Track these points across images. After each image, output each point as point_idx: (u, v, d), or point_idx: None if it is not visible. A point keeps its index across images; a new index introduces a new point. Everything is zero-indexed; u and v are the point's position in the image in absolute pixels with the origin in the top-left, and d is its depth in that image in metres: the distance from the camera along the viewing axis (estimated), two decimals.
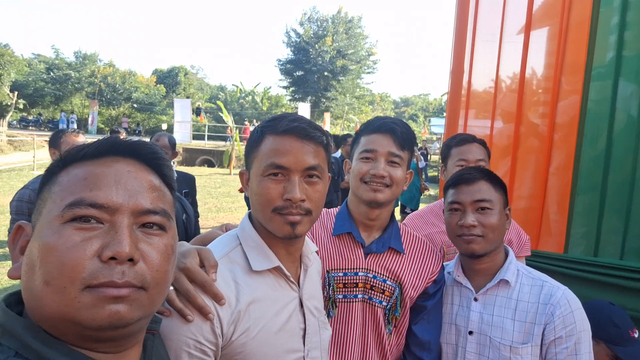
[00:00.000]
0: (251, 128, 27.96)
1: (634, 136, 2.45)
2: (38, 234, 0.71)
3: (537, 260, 2.50)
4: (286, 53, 42.17)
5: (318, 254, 1.49)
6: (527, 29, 3.08)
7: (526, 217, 2.88)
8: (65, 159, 0.77)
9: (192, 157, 21.86)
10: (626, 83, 2.55)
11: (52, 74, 33.88)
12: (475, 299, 1.57)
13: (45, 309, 0.68)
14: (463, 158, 2.13)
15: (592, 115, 2.66)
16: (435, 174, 18.44)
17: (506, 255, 1.60)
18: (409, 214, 9.10)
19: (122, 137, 0.81)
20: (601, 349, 1.77)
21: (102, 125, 33.85)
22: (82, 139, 3.30)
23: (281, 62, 39.33)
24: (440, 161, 2.32)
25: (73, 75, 34.49)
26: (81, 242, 0.69)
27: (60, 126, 29.45)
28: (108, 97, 35.84)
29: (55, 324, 0.69)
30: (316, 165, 1.13)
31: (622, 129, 2.53)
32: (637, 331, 1.84)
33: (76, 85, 34.65)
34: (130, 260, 0.70)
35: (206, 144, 24.91)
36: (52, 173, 0.77)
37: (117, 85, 36.22)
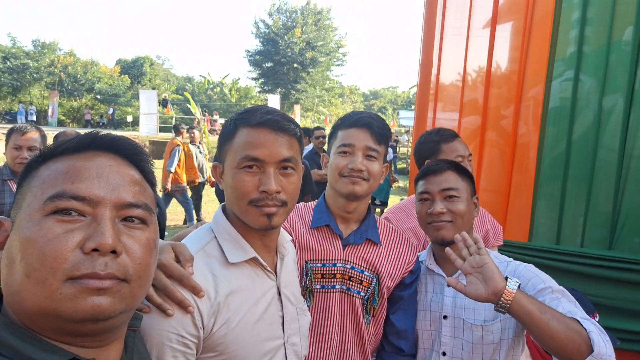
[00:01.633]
0: (220, 120, 27.54)
1: (593, 129, 2.56)
2: (18, 228, 0.70)
3: (503, 249, 2.58)
4: (255, 44, 41.71)
5: (295, 245, 1.52)
6: (493, 23, 3.15)
7: (492, 208, 2.96)
8: (45, 155, 0.77)
9: (159, 150, 21.21)
10: (586, 77, 2.65)
11: (8, 63, 32.34)
12: (448, 285, 1.62)
13: (26, 303, 0.67)
14: (460, 154, 2.16)
15: (554, 110, 2.75)
16: (405, 165, 18.69)
17: None
18: (378, 205, 9.22)
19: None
20: None
21: (63, 117, 32.66)
22: (32, 135, 3.02)
23: (250, 53, 38.87)
24: (422, 158, 2.30)
25: (31, 64, 33.02)
26: (63, 233, 0.68)
27: (19, 118, 28.23)
28: (69, 87, 34.50)
29: (36, 319, 0.68)
30: (290, 157, 1.14)
31: (582, 122, 2.63)
32: (597, 315, 1.93)
33: (35, 75, 33.18)
34: (113, 252, 0.70)
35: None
36: (31, 168, 0.76)
37: (79, 76, 34.87)
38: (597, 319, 1.92)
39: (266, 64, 38.22)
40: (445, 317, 1.60)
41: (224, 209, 1.23)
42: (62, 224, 0.69)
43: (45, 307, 0.66)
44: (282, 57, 36.72)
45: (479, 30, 3.35)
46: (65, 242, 0.67)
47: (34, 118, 29.36)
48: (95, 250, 0.68)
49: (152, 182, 0.85)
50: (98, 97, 35.39)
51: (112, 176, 0.76)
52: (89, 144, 0.78)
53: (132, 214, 0.76)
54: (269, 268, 1.20)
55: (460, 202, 1.59)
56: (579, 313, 1.36)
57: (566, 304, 1.40)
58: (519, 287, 1.34)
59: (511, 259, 1.63)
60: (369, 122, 1.51)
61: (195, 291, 1.03)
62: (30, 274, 0.66)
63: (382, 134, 1.53)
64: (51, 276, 0.66)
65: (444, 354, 1.59)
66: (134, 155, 0.82)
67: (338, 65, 41.03)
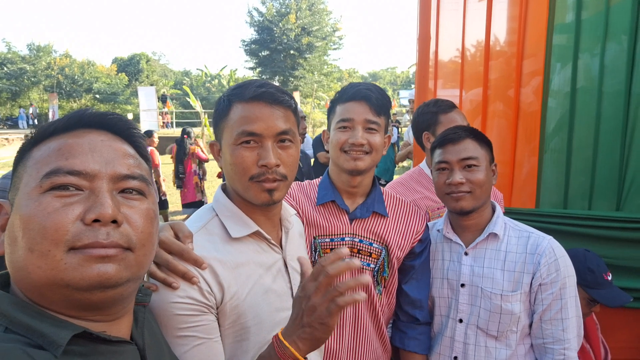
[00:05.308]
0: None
1: (596, 93, 2.54)
2: (17, 207, 0.71)
3: (510, 217, 2.60)
4: (250, 33, 41.38)
5: (302, 221, 1.53)
6: None
7: (499, 179, 2.97)
8: (36, 136, 0.77)
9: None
10: (585, 43, 2.63)
11: (5, 69, 32.30)
12: (466, 253, 1.63)
13: (32, 277, 0.68)
14: (460, 125, 2.13)
15: (555, 77, 2.74)
16: None
17: (493, 210, 1.67)
18: (383, 185, 9.21)
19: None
20: (578, 293, 1.88)
21: None
22: None
23: (246, 43, 38.50)
24: (419, 129, 2.29)
25: (28, 68, 32.96)
26: (62, 207, 0.69)
27: (20, 123, 28.31)
28: (67, 89, 34.47)
29: (44, 292, 0.69)
30: (287, 130, 1.14)
31: (584, 87, 2.62)
32: (610, 274, 1.96)
33: (32, 79, 33.16)
34: (114, 222, 0.71)
35: (175, 131, 24.35)
36: (24, 151, 0.77)
37: (76, 77, 34.83)
38: (609, 278, 1.95)
39: (262, 53, 37.82)
40: (462, 285, 1.61)
41: (223, 188, 1.24)
42: (61, 199, 0.70)
43: (53, 277, 0.67)
44: (278, 45, 36.35)
45: (475, 3, 3.31)
46: (65, 214, 0.68)
47: (36, 122, 29.35)
48: (96, 221, 0.69)
49: (145, 156, 0.85)
50: (97, 96, 35.33)
51: (105, 150, 0.76)
52: (77, 122, 0.78)
53: (129, 185, 0.77)
54: (272, 241, 1.21)
55: (480, 171, 1.57)
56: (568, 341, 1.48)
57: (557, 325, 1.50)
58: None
59: (533, 230, 1.62)
60: (367, 95, 1.50)
61: (197, 264, 1.04)
62: (33, 248, 0.67)
63: (381, 105, 1.52)
64: (54, 247, 0.67)
65: (460, 320, 1.61)
66: (124, 130, 0.82)
67: (335, 49, 40.56)
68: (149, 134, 8.11)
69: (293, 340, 0.94)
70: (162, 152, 8.48)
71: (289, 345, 0.93)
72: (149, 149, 7.64)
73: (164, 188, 7.71)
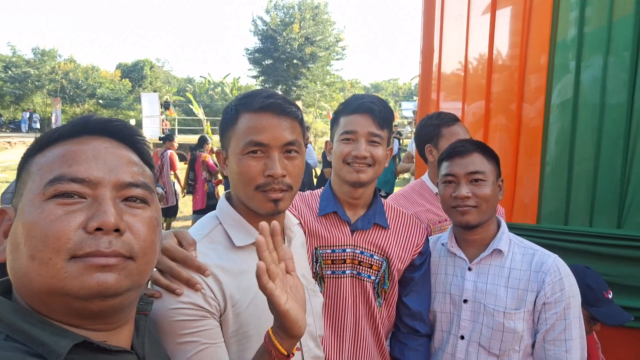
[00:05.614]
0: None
1: (598, 108, 2.54)
2: (20, 214, 0.71)
3: (511, 232, 2.59)
4: (254, 42, 41.62)
5: (304, 231, 1.53)
6: (493, 8, 3.14)
7: None
8: (41, 142, 0.77)
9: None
10: (588, 57, 2.63)
11: (10, 72, 32.49)
12: (470, 269, 1.62)
13: (33, 284, 0.68)
14: (460, 138, 2.09)
15: (557, 92, 2.74)
16: None
17: (498, 225, 1.66)
18: (383, 197, 9.20)
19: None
20: None
21: None
22: None
23: (249, 52, 38.73)
24: (422, 142, 2.29)
25: (32, 72, 33.15)
26: (65, 215, 0.69)
27: (23, 126, 28.41)
28: (71, 94, 34.62)
29: (44, 299, 0.69)
30: (294, 141, 1.15)
31: (585, 102, 2.62)
32: (610, 292, 1.94)
33: (36, 83, 33.34)
34: (117, 231, 0.71)
35: (177, 138, 24.34)
36: (28, 156, 0.77)
37: (80, 82, 35.02)
38: (610, 296, 1.93)
39: (266, 62, 38.02)
40: (465, 301, 1.59)
41: (227, 196, 1.25)
42: (64, 207, 0.69)
43: (52, 285, 0.67)
44: (282, 54, 36.53)
45: (478, 16, 3.33)
46: (68, 222, 0.68)
47: (38, 126, 29.47)
48: (98, 229, 0.69)
49: (149, 163, 0.85)
50: (100, 102, 35.48)
51: (109, 157, 0.76)
52: (82, 128, 0.78)
53: (132, 193, 0.76)
54: None
55: (486, 186, 1.56)
56: None
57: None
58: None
59: (538, 247, 1.60)
60: (371, 108, 1.51)
61: (201, 271, 1.04)
62: (35, 256, 0.67)
63: (385, 118, 1.53)
64: (55, 256, 0.67)
65: (462, 337, 1.58)
66: (129, 137, 0.82)
67: (338, 59, 40.72)
68: (170, 138, 8.25)
69: (274, 329, 0.98)
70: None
71: (271, 333, 0.97)
72: (169, 152, 7.81)
73: (178, 191, 7.77)
